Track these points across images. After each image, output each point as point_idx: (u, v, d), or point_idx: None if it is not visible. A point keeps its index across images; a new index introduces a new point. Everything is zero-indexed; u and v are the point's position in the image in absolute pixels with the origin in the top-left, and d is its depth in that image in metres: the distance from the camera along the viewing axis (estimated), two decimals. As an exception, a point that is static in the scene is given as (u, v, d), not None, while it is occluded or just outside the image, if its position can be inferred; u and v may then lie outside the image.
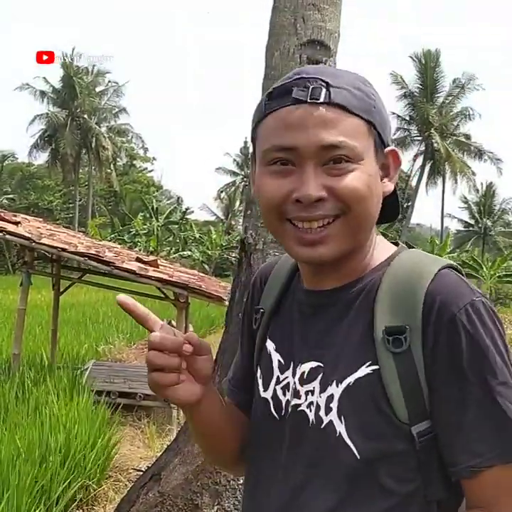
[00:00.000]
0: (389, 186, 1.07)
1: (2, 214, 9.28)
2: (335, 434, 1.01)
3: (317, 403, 1.04)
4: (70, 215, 48.95)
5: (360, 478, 0.99)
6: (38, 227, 9.88)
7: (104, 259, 8.31)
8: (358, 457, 0.98)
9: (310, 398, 1.05)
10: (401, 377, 0.96)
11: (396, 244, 1.13)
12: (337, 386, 1.01)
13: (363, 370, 0.99)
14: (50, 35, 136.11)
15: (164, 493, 3.47)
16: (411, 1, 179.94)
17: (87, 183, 49.34)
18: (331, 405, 1.02)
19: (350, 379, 1.00)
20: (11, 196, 49.34)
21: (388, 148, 1.05)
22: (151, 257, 10.63)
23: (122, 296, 1.00)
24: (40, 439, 5.40)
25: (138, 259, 9.23)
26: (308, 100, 0.96)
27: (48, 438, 5.42)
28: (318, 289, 1.09)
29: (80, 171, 49.21)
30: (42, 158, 48.70)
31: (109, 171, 48.41)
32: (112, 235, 40.48)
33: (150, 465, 4.37)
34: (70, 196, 50.03)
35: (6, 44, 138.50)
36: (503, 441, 0.94)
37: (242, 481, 3.33)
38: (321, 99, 0.96)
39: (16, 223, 8.90)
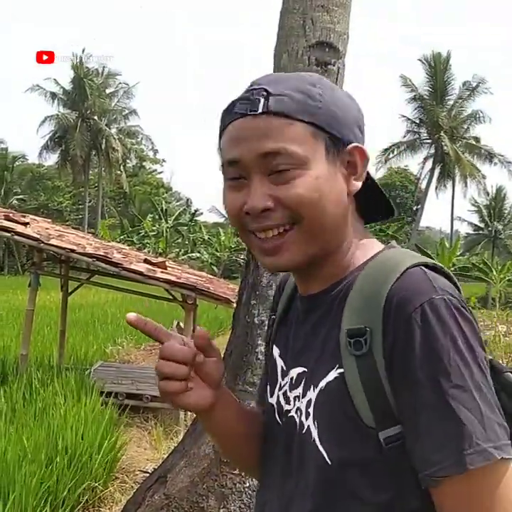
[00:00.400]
0: (355, 185, 1.04)
1: (11, 215, 9.33)
2: (310, 439, 1.00)
3: (300, 408, 1.04)
4: (80, 216, 49.21)
5: (334, 485, 0.96)
6: (47, 228, 9.91)
7: (113, 260, 8.32)
8: (330, 463, 0.96)
9: (297, 404, 1.05)
10: (363, 380, 0.93)
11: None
12: (313, 391, 1.01)
13: (332, 374, 0.97)
14: (50, 35, 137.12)
15: (170, 495, 3.47)
16: (411, 1, 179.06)
17: (96, 185, 49.55)
18: (309, 410, 1.01)
19: (322, 383, 0.99)
20: (21, 197, 49.70)
21: (352, 146, 1.02)
22: (160, 259, 10.64)
23: (132, 315, 1.03)
24: (47, 440, 5.41)
25: (146, 261, 9.24)
26: (249, 113, 0.98)
27: (55, 439, 5.43)
28: (308, 293, 1.09)
29: (90, 172, 49.44)
30: (52, 159, 49.04)
31: (118, 172, 48.60)
32: (122, 237, 40.61)
33: (156, 467, 4.37)
34: (80, 197, 50.28)
35: (6, 44, 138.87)
36: (458, 449, 0.86)
37: (247, 484, 3.33)
38: (260, 110, 0.98)
39: (25, 224, 8.92)
